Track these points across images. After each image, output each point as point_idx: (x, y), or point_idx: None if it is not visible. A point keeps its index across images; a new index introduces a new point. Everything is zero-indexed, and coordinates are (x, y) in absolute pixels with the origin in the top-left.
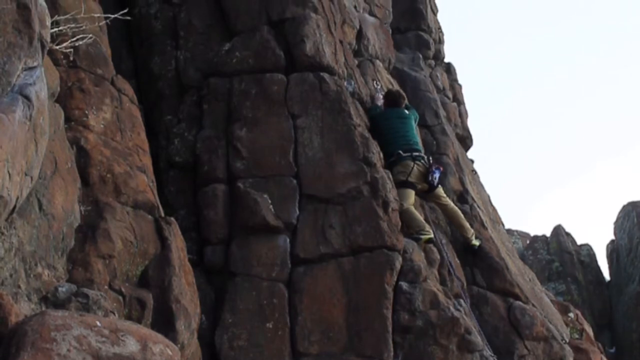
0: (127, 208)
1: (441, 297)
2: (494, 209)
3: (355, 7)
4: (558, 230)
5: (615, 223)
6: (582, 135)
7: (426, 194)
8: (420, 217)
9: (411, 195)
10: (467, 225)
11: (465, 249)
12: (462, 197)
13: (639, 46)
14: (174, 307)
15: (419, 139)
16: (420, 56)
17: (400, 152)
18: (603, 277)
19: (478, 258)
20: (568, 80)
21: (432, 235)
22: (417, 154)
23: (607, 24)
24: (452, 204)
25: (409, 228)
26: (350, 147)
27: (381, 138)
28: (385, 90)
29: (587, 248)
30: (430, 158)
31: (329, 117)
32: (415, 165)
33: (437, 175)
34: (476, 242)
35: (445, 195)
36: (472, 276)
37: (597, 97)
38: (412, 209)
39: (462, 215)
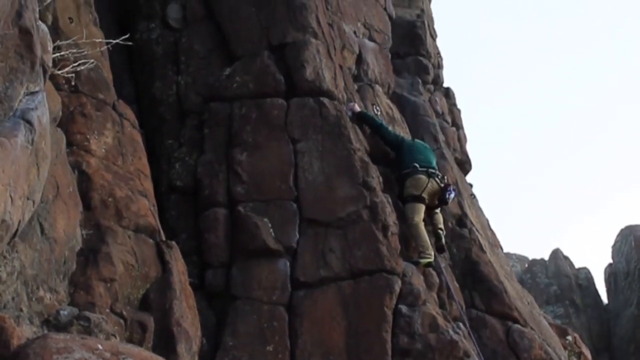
0: (129, 232)
1: (440, 320)
2: (493, 233)
3: (354, 32)
4: (556, 253)
5: (613, 247)
6: (583, 160)
7: (428, 209)
8: (426, 235)
9: (422, 210)
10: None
11: (464, 274)
12: (460, 221)
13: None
14: (175, 331)
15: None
16: (420, 81)
17: (417, 165)
18: (601, 301)
19: (477, 281)
20: (568, 108)
21: (432, 259)
22: (432, 171)
23: (608, 56)
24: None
25: (414, 243)
26: (350, 172)
27: (400, 153)
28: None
29: (585, 272)
30: (446, 177)
31: (328, 141)
32: (430, 181)
33: (452, 195)
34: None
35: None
36: (471, 299)
37: (597, 125)
38: (422, 225)
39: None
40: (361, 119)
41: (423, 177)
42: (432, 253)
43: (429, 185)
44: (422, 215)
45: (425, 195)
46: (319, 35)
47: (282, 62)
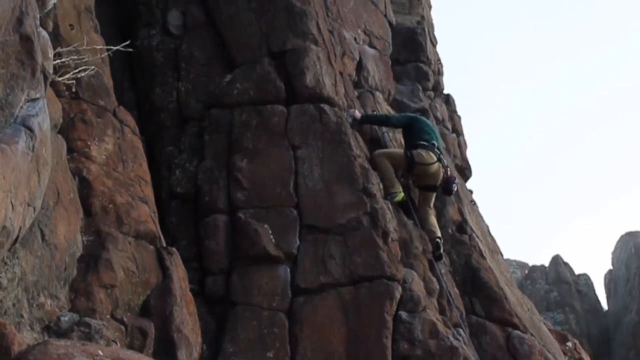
0: (129, 238)
1: (440, 326)
2: (493, 239)
3: (355, 39)
4: (556, 260)
5: (613, 253)
6: (583, 166)
7: (425, 190)
8: (392, 172)
9: (395, 158)
10: (435, 223)
11: (464, 280)
12: (461, 227)
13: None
14: (175, 337)
15: None
16: (420, 87)
17: (435, 143)
18: (601, 307)
19: (477, 288)
20: (568, 113)
21: (403, 195)
22: (442, 156)
23: (609, 58)
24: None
25: (379, 176)
26: (350, 178)
27: (412, 129)
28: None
29: (585, 278)
30: (449, 169)
31: (329, 148)
32: (438, 163)
33: (456, 188)
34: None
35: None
36: (471, 306)
37: (596, 130)
38: (387, 162)
39: (433, 219)
40: (366, 121)
41: (434, 156)
42: (399, 188)
43: (434, 165)
44: (390, 160)
45: (427, 171)
46: (319, 42)
47: (282, 68)
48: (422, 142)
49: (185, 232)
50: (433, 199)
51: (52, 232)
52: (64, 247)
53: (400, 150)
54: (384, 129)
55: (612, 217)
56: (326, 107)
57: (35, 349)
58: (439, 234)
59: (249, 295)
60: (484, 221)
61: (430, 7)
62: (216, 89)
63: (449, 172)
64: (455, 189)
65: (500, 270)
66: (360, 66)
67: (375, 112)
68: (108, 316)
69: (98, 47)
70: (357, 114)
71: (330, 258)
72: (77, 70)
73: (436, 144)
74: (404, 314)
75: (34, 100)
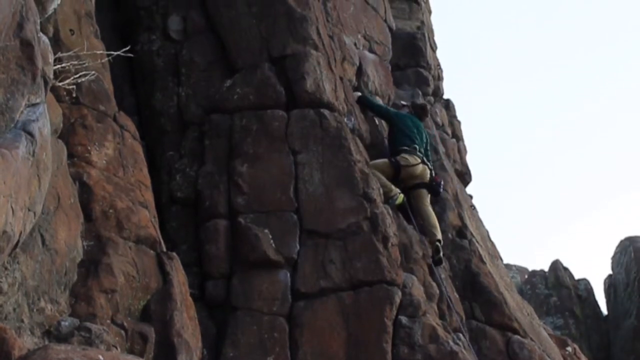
0: (130, 243)
1: (440, 331)
2: (493, 244)
3: (355, 44)
4: (556, 264)
5: (613, 258)
6: (582, 170)
7: (416, 189)
8: (385, 179)
9: (382, 168)
10: (436, 223)
11: (464, 285)
12: (460, 232)
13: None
14: (175, 341)
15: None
16: (420, 93)
17: (417, 146)
18: (600, 312)
19: (477, 292)
20: (568, 118)
21: (402, 197)
22: (426, 160)
23: (608, 59)
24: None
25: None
26: (350, 183)
27: (397, 132)
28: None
29: (585, 282)
30: (433, 171)
31: (329, 153)
32: (422, 165)
33: (441, 188)
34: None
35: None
36: (471, 310)
37: (597, 134)
38: (376, 171)
39: (433, 218)
40: (362, 102)
41: (418, 159)
42: (398, 190)
43: (419, 166)
44: (377, 170)
45: (412, 173)
46: (319, 47)
47: (282, 73)
48: (404, 147)
49: (186, 237)
50: (428, 197)
51: (53, 237)
52: (64, 252)
53: (385, 159)
54: (385, 133)
55: (611, 221)
56: (326, 112)
57: (36, 353)
58: (440, 237)
59: (249, 299)
60: (483, 226)
61: (430, 12)
62: (216, 93)
63: (434, 173)
64: (442, 189)
65: (500, 275)
66: (360, 71)
67: (377, 124)
68: (108, 321)
69: (98, 52)
70: (358, 93)
71: (331, 263)
72: (77, 75)
73: (417, 147)
74: (404, 319)
75: (34, 105)
